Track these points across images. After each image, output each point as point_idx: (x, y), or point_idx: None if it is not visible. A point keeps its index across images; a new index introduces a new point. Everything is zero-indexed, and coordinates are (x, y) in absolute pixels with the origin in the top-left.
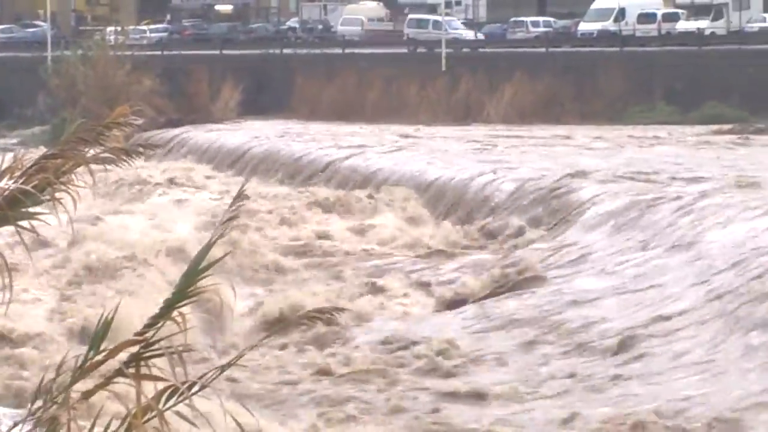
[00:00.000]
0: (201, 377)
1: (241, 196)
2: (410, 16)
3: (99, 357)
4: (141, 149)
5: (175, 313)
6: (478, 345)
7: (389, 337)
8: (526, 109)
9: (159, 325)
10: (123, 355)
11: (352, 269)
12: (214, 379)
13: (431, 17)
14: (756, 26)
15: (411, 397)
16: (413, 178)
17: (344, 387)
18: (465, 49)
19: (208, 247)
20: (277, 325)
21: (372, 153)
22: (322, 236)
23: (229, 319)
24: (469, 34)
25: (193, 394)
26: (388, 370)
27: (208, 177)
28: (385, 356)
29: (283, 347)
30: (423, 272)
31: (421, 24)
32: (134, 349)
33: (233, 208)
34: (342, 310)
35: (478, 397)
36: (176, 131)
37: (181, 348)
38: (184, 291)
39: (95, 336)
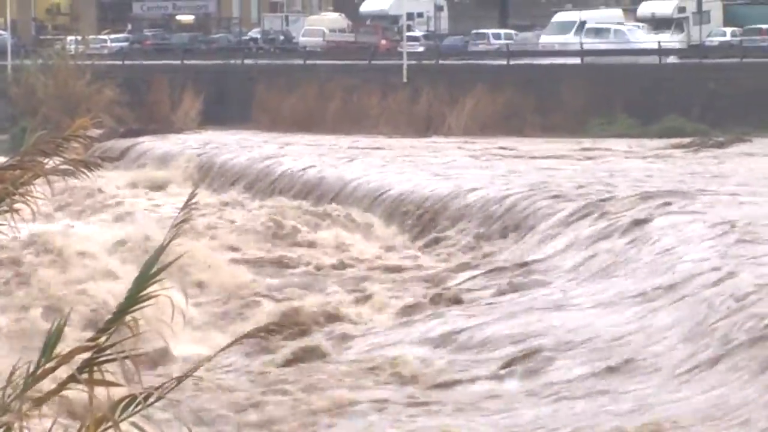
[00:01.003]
0: (158, 387)
1: (190, 202)
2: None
3: (51, 363)
4: (100, 161)
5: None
6: None
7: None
8: (487, 122)
9: (111, 330)
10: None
11: (302, 281)
12: (172, 389)
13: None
14: (716, 40)
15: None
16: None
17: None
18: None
19: (160, 251)
20: (236, 336)
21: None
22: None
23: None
24: None
25: (150, 404)
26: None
27: (164, 187)
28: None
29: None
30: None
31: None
32: (87, 354)
33: (183, 213)
34: (299, 324)
35: None
36: (136, 141)
37: (134, 353)
38: (136, 296)
39: (47, 342)
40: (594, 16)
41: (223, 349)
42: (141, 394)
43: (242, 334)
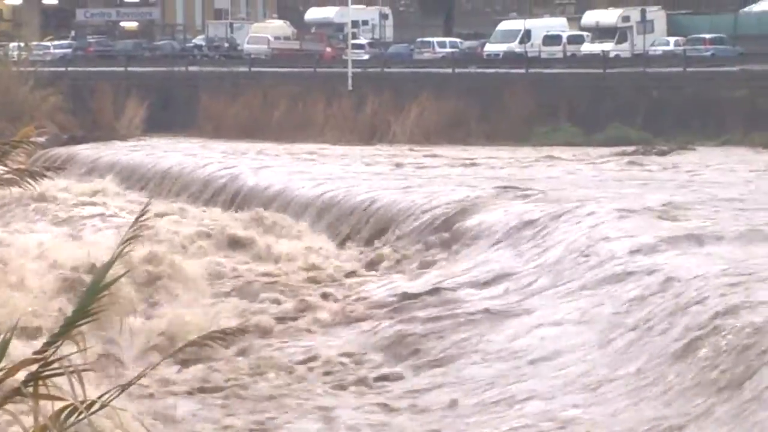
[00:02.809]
0: (100, 396)
1: (143, 215)
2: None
3: None
4: (45, 171)
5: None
6: None
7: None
8: (432, 130)
9: (58, 343)
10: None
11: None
12: (115, 398)
13: None
14: (660, 49)
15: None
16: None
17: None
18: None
19: (109, 265)
20: (181, 345)
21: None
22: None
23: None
24: None
25: (93, 413)
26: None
27: (101, 194)
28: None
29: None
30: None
31: None
32: (33, 367)
33: (135, 227)
34: (246, 331)
35: None
36: (79, 148)
37: (80, 367)
38: (85, 309)
39: None
40: (538, 25)
41: (167, 357)
42: (83, 402)
43: (186, 342)
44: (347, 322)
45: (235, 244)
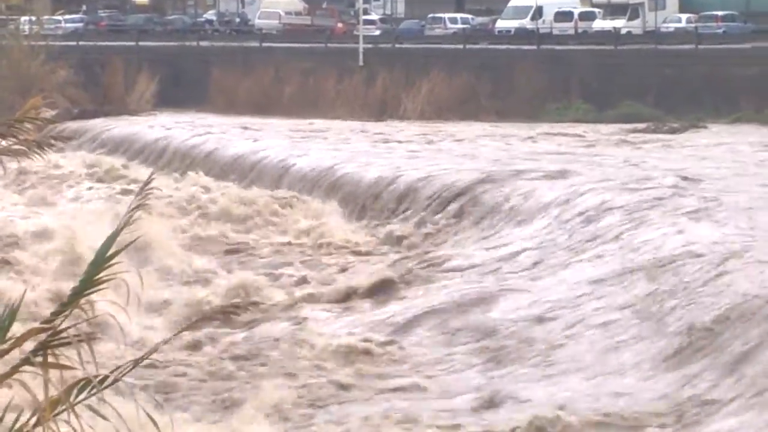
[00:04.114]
0: (113, 371)
1: (147, 185)
2: None
3: (4, 346)
4: (53, 142)
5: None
6: None
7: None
8: (443, 106)
9: (66, 312)
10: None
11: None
12: (127, 373)
13: None
14: (671, 26)
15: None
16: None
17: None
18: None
19: (115, 234)
20: (191, 319)
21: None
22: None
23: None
24: None
25: (105, 387)
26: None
27: (117, 168)
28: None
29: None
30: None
31: None
32: (42, 337)
33: (140, 196)
34: (256, 304)
35: None
36: (90, 122)
37: (89, 337)
38: (92, 279)
39: (0, 325)
40: (550, 1)
41: (180, 331)
42: (96, 377)
43: (200, 316)
44: None
45: None
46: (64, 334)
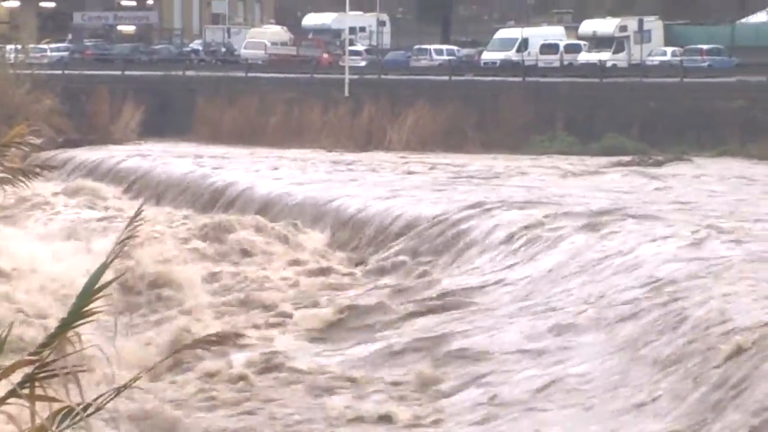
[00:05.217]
0: (96, 399)
1: (137, 217)
2: None
3: None
4: (38, 170)
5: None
6: None
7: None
8: (428, 137)
9: (53, 345)
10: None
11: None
12: (110, 401)
13: None
14: (656, 59)
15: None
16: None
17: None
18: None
19: (104, 267)
20: (174, 349)
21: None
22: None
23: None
24: None
25: (88, 415)
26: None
27: (102, 197)
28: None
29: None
30: None
31: None
32: (29, 369)
33: (129, 229)
34: (240, 335)
35: None
36: (74, 152)
37: (76, 369)
38: (80, 311)
39: None
40: (536, 33)
41: (163, 360)
42: (79, 405)
43: (183, 345)
44: None
45: None
46: (50, 367)
